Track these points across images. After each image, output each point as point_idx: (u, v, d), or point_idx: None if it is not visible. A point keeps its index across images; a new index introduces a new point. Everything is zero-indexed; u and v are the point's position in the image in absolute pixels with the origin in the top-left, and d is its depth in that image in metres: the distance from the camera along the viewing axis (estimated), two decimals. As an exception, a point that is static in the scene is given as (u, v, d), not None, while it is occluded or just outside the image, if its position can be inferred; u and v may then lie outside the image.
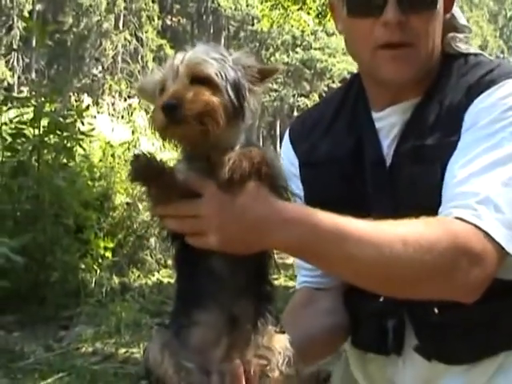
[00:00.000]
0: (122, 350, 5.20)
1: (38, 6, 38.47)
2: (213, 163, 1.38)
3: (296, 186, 1.82)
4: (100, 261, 7.18)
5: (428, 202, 1.57)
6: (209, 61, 1.42)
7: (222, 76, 1.42)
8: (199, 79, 1.40)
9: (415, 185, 1.66)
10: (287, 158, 1.91)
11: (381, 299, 1.73)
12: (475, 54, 1.79)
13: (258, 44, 42.28)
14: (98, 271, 7.02)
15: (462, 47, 1.80)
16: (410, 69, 1.68)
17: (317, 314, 1.86)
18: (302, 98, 43.75)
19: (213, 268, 1.44)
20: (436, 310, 1.68)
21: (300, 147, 1.90)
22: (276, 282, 1.65)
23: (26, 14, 33.82)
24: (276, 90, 43.39)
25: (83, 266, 6.91)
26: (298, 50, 42.82)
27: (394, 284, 1.50)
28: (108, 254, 7.28)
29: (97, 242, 7.17)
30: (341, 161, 1.79)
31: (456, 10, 1.82)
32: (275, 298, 1.53)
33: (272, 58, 40.47)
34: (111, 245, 7.31)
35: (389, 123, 1.76)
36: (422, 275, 1.47)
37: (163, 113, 1.36)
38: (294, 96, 43.01)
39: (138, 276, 7.53)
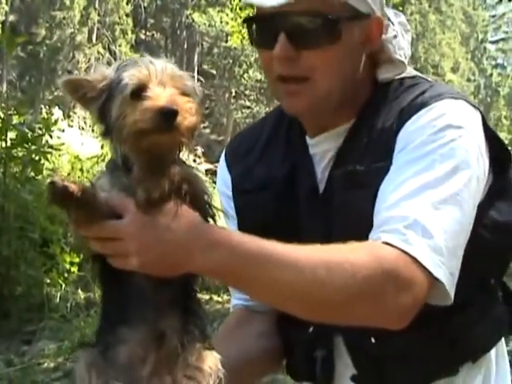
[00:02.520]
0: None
1: (11, 17, 38.27)
2: (135, 180, 1.35)
3: (229, 206, 1.81)
4: (65, 275, 7.11)
5: (360, 229, 1.53)
6: (187, 76, 1.43)
7: (196, 94, 1.43)
8: (184, 92, 1.39)
9: (347, 211, 1.63)
10: (222, 179, 1.89)
11: (310, 329, 1.72)
12: (412, 77, 1.76)
13: (231, 61, 42.35)
14: (64, 286, 6.96)
15: (395, 73, 1.76)
16: (304, 103, 1.66)
17: (251, 336, 1.83)
18: (275, 116, 43.65)
19: (137, 285, 1.41)
20: (373, 340, 1.65)
21: (235, 170, 1.87)
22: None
23: (-2, 24, 33.68)
24: (248, 107, 43.47)
25: (48, 281, 6.84)
26: (271, 67, 42.88)
27: (318, 309, 1.47)
28: (74, 269, 7.22)
29: (63, 257, 7.11)
30: (274, 187, 1.76)
31: (395, 43, 1.77)
32: (204, 313, 1.51)
33: (245, 75, 40.57)
34: (77, 259, 7.24)
35: (322, 149, 1.74)
36: (346, 300, 1.43)
37: (160, 116, 1.31)
38: (266, 113, 43.02)
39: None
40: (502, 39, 62.84)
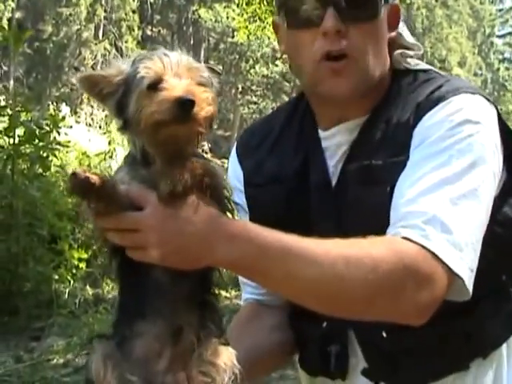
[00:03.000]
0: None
1: (18, 14, 38.29)
2: (157, 173, 1.35)
3: (240, 200, 1.80)
4: (74, 271, 7.13)
5: (375, 224, 1.53)
6: (202, 67, 1.43)
7: (212, 85, 1.44)
8: (200, 83, 1.39)
9: (362, 206, 1.63)
10: (233, 172, 1.88)
11: (324, 324, 1.72)
12: (425, 71, 1.76)
13: (237, 56, 42.30)
14: (72, 282, 6.99)
15: (412, 63, 1.78)
16: (349, 82, 1.66)
17: (263, 330, 1.84)
18: (281, 111, 43.54)
19: (155, 278, 1.42)
20: (384, 334, 1.66)
21: (246, 163, 1.87)
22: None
23: (5, 21, 33.68)
24: (255, 103, 43.41)
25: (57, 277, 6.86)
26: (277, 62, 42.84)
27: (336, 304, 1.47)
28: (82, 265, 7.24)
29: (71, 253, 7.13)
30: (286, 181, 1.76)
31: (404, 29, 1.80)
32: (219, 308, 1.50)
33: (251, 71, 40.52)
34: (85, 256, 7.26)
35: (335, 142, 1.74)
36: (366, 295, 1.43)
37: (177, 107, 1.32)
38: (272, 109, 43.00)
39: (112, 287, 7.48)
40: (509, 33, 62.62)
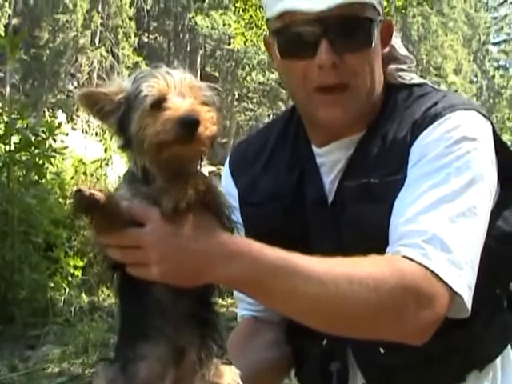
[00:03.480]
0: (89, 371, 5.12)
1: (14, 21, 38.29)
2: (159, 190, 1.34)
3: (236, 218, 1.76)
4: (69, 279, 7.10)
5: (374, 242, 1.53)
6: (205, 86, 1.42)
7: (214, 103, 1.42)
8: (203, 102, 1.38)
9: (361, 224, 1.62)
10: (228, 189, 1.86)
11: (324, 342, 1.71)
12: (420, 85, 1.75)
13: (233, 63, 42.36)
14: (67, 290, 6.95)
15: (406, 77, 1.76)
16: (347, 112, 1.64)
17: (260, 347, 1.83)
18: (277, 118, 43.59)
19: (156, 297, 1.40)
20: (382, 350, 1.65)
21: (240, 181, 1.85)
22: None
23: (1, 27, 33.67)
24: (251, 110, 43.45)
25: (52, 285, 6.83)
26: (273, 69, 42.92)
27: (338, 322, 1.46)
28: (78, 273, 7.21)
29: (66, 261, 7.09)
30: (282, 199, 1.75)
31: (396, 41, 1.79)
32: (220, 326, 1.49)
33: (248, 78, 40.58)
34: (81, 263, 7.23)
35: (331, 159, 1.73)
36: (368, 314, 1.42)
37: (181, 126, 1.30)
38: (269, 116, 43.04)
39: (108, 295, 7.46)
40: (504, 41, 62.77)
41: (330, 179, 1.73)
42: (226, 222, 1.42)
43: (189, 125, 1.30)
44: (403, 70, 1.78)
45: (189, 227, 1.34)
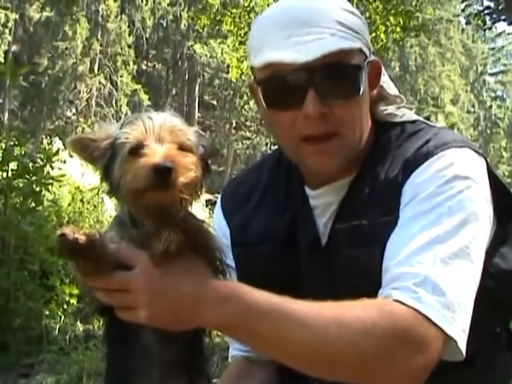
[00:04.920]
0: (83, 401, 5.09)
1: (14, 47, 38.47)
2: (149, 233, 1.33)
3: (228, 257, 1.74)
4: (65, 307, 7.07)
5: (367, 285, 1.50)
6: (188, 130, 1.40)
7: (197, 148, 1.41)
8: (183, 147, 1.37)
9: (354, 266, 1.60)
10: (219, 228, 1.84)
11: None
12: (412, 122, 1.73)
13: (231, 92, 42.50)
14: (63, 318, 6.91)
15: (398, 114, 1.74)
16: (335, 160, 1.62)
17: None
18: (275, 147, 43.70)
19: (143, 341, 1.39)
20: None
21: (233, 220, 1.83)
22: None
23: (1, 54, 33.82)
24: (249, 138, 43.52)
25: (47, 313, 6.79)
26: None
27: (328, 368, 1.43)
28: (73, 301, 7.17)
29: (62, 288, 7.06)
30: (274, 240, 1.73)
31: (385, 79, 1.76)
32: (208, 373, 1.48)
33: (246, 106, 40.67)
34: (76, 291, 7.19)
35: (325, 202, 1.71)
36: (358, 359, 1.40)
37: (154, 174, 1.29)
38: (266, 144, 43.14)
39: (103, 323, 7.40)
40: (501, 72, 63.11)
41: (323, 222, 1.72)
42: (217, 265, 1.41)
43: (162, 172, 1.29)
44: (391, 111, 1.76)
45: (178, 270, 1.33)
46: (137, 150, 1.34)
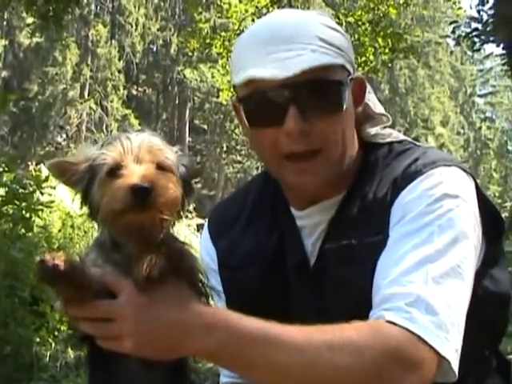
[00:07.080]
0: (74, 429, 5.03)
1: (4, 73, 38.52)
2: (131, 257, 1.30)
3: (215, 280, 1.74)
4: (55, 334, 7.00)
5: (357, 304, 1.48)
6: (168, 150, 1.38)
7: (178, 167, 1.39)
8: (162, 167, 1.34)
9: (343, 286, 1.58)
10: (207, 252, 1.82)
11: None
12: (400, 141, 1.72)
13: (222, 116, 42.60)
14: (53, 344, 6.85)
15: (385, 133, 1.73)
16: (318, 178, 1.61)
17: None
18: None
19: (127, 370, 1.36)
20: None
21: (220, 244, 1.81)
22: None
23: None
24: (240, 162, 43.58)
25: (38, 340, 6.72)
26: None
27: None
28: (64, 327, 7.11)
29: (53, 315, 7.00)
30: (261, 262, 1.70)
31: (370, 97, 1.75)
32: None
33: (236, 130, 40.75)
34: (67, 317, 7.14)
35: (312, 222, 1.69)
36: (351, 382, 1.37)
37: (132, 195, 1.27)
38: (257, 168, 43.19)
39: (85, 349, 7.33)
40: (490, 93, 63.47)
41: (311, 241, 1.70)
42: (200, 289, 1.38)
43: (140, 192, 1.27)
44: (377, 131, 1.74)
45: (162, 297, 1.30)
46: (115, 171, 1.32)
